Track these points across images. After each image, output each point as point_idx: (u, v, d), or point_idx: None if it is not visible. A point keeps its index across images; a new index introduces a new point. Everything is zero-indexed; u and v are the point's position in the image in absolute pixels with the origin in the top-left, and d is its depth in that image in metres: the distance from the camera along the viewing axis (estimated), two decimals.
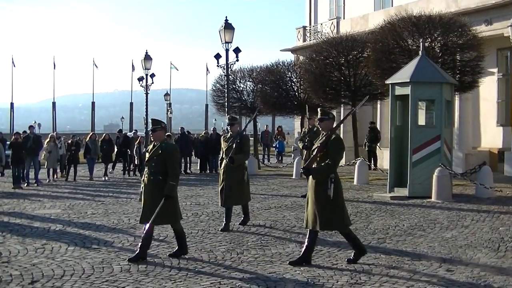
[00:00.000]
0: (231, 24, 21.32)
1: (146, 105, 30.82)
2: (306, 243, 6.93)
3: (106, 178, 19.67)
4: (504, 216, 10.24)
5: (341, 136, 25.47)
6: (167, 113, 59.97)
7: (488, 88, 20.38)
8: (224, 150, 9.51)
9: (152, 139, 7.49)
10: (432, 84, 13.48)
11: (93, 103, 67.18)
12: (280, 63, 25.20)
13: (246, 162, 9.78)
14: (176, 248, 7.40)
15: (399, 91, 13.76)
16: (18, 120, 64.64)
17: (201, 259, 7.23)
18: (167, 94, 60.08)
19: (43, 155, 18.82)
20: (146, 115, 27.54)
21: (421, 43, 14.41)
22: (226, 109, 22.18)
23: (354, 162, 17.75)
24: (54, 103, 65.20)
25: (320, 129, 7.17)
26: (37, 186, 17.54)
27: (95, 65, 68.39)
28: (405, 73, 13.70)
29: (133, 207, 11.92)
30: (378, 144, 21.78)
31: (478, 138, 21.25)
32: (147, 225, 7.11)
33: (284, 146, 30.45)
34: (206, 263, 7.01)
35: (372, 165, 19.84)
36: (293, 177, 18.64)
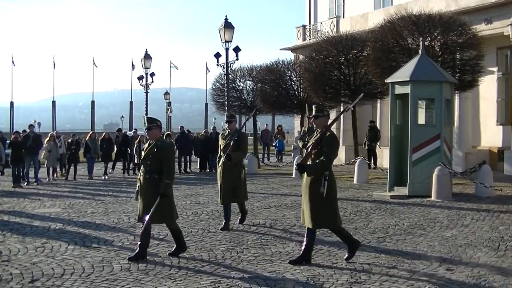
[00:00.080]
0: (231, 23, 21.33)
1: (146, 104, 30.86)
2: (305, 242, 6.93)
3: (106, 177, 19.68)
4: (504, 215, 10.25)
5: (341, 134, 25.84)
6: (167, 112, 59.98)
7: (488, 87, 20.38)
8: (221, 147, 9.49)
9: (148, 138, 7.46)
10: (432, 83, 13.48)
11: (93, 102, 67.18)
12: (280, 62, 25.21)
13: (246, 161, 9.77)
14: (175, 247, 7.40)
15: (399, 90, 13.76)
16: (18, 119, 64.65)
17: (201, 258, 7.23)
18: (167, 93, 60.09)
19: (43, 154, 18.82)
20: (146, 114, 27.56)
21: (421, 42, 14.41)
22: (226, 108, 22.19)
23: (354, 161, 17.74)
24: (54, 102, 65.22)
25: (315, 126, 7.16)
26: (37, 185, 17.54)
27: (95, 64, 68.41)
28: (405, 72, 13.70)
29: (133, 206, 11.91)
30: (378, 143, 21.79)
31: (478, 137, 21.26)
32: (147, 217, 7.08)
33: (284, 145, 30.47)
34: (206, 262, 7.01)
35: (372, 164, 19.85)
36: (293, 176, 18.64)
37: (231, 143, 9.21)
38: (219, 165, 9.49)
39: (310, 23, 30.63)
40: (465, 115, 20.50)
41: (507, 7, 18.91)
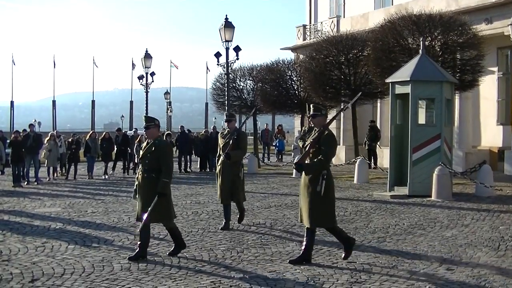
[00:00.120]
0: (231, 22, 21.32)
1: (146, 103, 30.87)
2: (305, 242, 6.93)
3: (106, 176, 19.68)
4: (504, 215, 10.25)
5: (341, 134, 25.85)
6: (167, 112, 59.98)
7: (488, 87, 20.38)
8: (221, 146, 9.47)
9: (146, 137, 7.45)
10: (432, 83, 13.48)
11: (93, 102, 67.15)
12: (280, 62, 25.21)
13: (246, 160, 9.76)
14: (174, 246, 7.39)
15: (399, 89, 13.76)
16: (18, 118, 64.63)
17: (201, 257, 7.23)
18: (167, 93, 60.08)
19: (43, 154, 18.82)
20: (146, 113, 27.47)
21: (421, 42, 14.40)
22: (226, 107, 22.18)
23: (354, 160, 17.74)
24: (54, 102, 65.20)
25: (313, 125, 7.13)
26: (37, 184, 17.55)
27: (95, 63, 68.39)
28: (405, 72, 13.70)
29: (133, 206, 11.89)
30: (378, 143, 21.79)
31: (478, 137, 21.26)
32: (144, 215, 7.09)
33: (284, 144, 30.46)
34: (206, 262, 7.01)
35: (372, 164, 19.85)
36: (293, 176, 18.63)
37: (230, 142, 9.20)
38: (218, 164, 9.48)
39: (310, 22, 30.62)
40: (465, 115, 20.50)
41: (508, 7, 18.90)
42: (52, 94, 66.14)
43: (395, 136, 13.84)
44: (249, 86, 26.78)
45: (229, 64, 22.07)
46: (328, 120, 7.08)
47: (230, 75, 23.13)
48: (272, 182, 17.07)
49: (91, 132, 22.40)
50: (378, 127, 22.60)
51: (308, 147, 6.85)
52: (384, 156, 21.05)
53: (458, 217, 10.10)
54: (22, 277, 6.37)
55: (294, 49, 30.03)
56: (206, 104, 63.06)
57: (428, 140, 13.12)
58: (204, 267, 6.78)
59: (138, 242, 7.22)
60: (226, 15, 21.60)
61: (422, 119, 14.03)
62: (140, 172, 7.25)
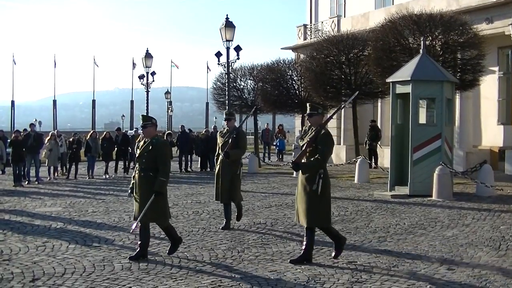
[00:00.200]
0: (232, 22, 21.33)
1: (147, 103, 30.88)
2: (305, 242, 6.93)
3: (107, 176, 19.69)
4: (505, 215, 10.24)
5: (342, 134, 25.87)
6: (167, 111, 60.02)
7: (489, 86, 20.37)
8: (220, 145, 9.43)
9: (143, 135, 7.41)
10: (433, 83, 13.48)
11: (93, 101, 67.16)
12: (281, 61, 25.23)
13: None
14: (170, 244, 7.34)
15: (400, 89, 13.76)
16: (18, 118, 64.66)
17: (202, 257, 7.23)
18: (167, 92, 60.14)
19: (44, 153, 18.83)
20: (147, 113, 27.50)
21: (422, 42, 14.41)
22: (227, 107, 22.17)
23: (355, 160, 17.73)
24: (54, 101, 65.21)
25: (309, 124, 7.12)
26: (37, 184, 17.56)
27: (96, 63, 68.39)
28: (406, 72, 13.70)
29: (133, 205, 11.91)
30: (379, 143, 21.79)
31: (479, 136, 21.25)
32: (134, 224, 7.12)
33: (285, 144, 30.46)
34: (207, 262, 7.01)
35: (373, 164, 19.85)
36: (294, 175, 18.60)
37: (230, 140, 9.17)
38: (218, 163, 9.44)
39: (311, 22, 30.62)
40: (466, 115, 20.49)
41: (508, 6, 18.89)
42: (53, 93, 66.12)
43: (395, 135, 13.84)
44: (250, 86, 26.80)
45: (230, 64, 22.07)
46: (324, 120, 7.08)
47: (230, 74, 23.13)
48: (273, 182, 17.08)
49: (91, 131, 22.38)
50: (379, 126, 22.60)
51: (304, 146, 6.85)
52: (384, 156, 21.06)
53: (459, 217, 10.09)
54: (23, 276, 6.37)
55: (294, 48, 30.03)
56: (207, 103, 63.05)
57: (429, 140, 13.12)
58: (205, 266, 6.78)
59: (139, 242, 7.21)
60: (227, 15, 21.61)
61: (422, 119, 14.03)
62: (137, 171, 7.23)
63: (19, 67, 76.69)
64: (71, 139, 20.41)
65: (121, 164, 21.60)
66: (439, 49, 17.33)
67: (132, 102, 67.48)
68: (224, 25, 21.15)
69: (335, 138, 25.98)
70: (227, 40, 21.28)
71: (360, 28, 23.85)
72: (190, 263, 6.91)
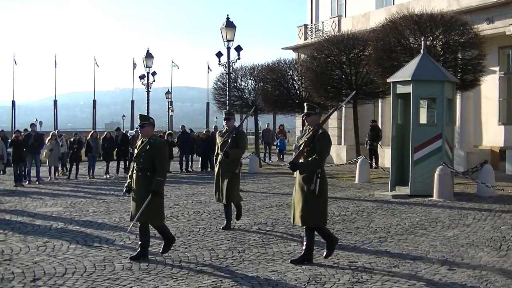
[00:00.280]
0: (232, 22, 21.31)
1: (148, 103, 30.89)
2: (305, 242, 6.93)
3: (108, 176, 19.69)
4: (506, 215, 10.24)
5: (343, 134, 25.84)
6: (168, 111, 60.01)
7: (490, 86, 20.36)
8: (219, 145, 9.41)
9: (141, 135, 7.39)
10: (434, 83, 13.47)
11: (94, 101, 67.17)
12: (282, 61, 25.21)
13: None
14: (163, 244, 7.30)
15: (400, 89, 13.76)
16: (19, 118, 64.73)
17: (203, 257, 7.23)
18: (168, 92, 60.13)
19: (44, 153, 18.84)
20: (147, 113, 27.54)
21: (422, 42, 14.41)
22: (227, 107, 22.17)
23: (355, 160, 17.73)
24: (55, 101, 65.23)
25: (307, 124, 7.11)
26: (38, 184, 17.56)
27: (96, 63, 68.41)
28: (406, 72, 13.69)
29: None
30: (380, 143, 21.79)
31: (480, 136, 21.24)
32: (131, 224, 7.12)
33: (285, 144, 30.48)
34: (208, 262, 7.01)
35: (374, 164, 19.85)
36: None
37: (229, 140, 9.16)
38: (217, 163, 9.42)
39: (311, 22, 30.61)
40: (466, 115, 20.48)
41: (509, 6, 18.88)
42: (54, 93, 66.13)
43: (396, 135, 13.83)
44: (250, 86, 26.77)
45: (231, 64, 22.06)
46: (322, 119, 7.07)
47: (231, 74, 23.12)
48: (274, 182, 17.08)
49: (92, 131, 22.38)
50: (380, 126, 22.59)
51: (302, 146, 6.85)
52: (385, 156, 21.05)
53: (459, 217, 10.09)
54: (24, 276, 6.37)
55: (295, 48, 30.02)
56: (207, 103, 63.06)
57: (430, 140, 13.12)
58: (206, 266, 6.78)
59: (139, 242, 7.21)
60: (228, 15, 21.59)
61: (423, 119, 14.02)
62: (135, 171, 7.21)
63: (20, 67, 76.84)
64: (72, 139, 20.42)
65: (121, 164, 21.61)
66: (439, 49, 17.32)
67: (132, 102, 67.49)
68: (224, 25, 21.13)
69: (335, 138, 26.06)
70: (227, 40, 21.27)
71: (361, 28, 23.83)
72: (190, 263, 6.92)
